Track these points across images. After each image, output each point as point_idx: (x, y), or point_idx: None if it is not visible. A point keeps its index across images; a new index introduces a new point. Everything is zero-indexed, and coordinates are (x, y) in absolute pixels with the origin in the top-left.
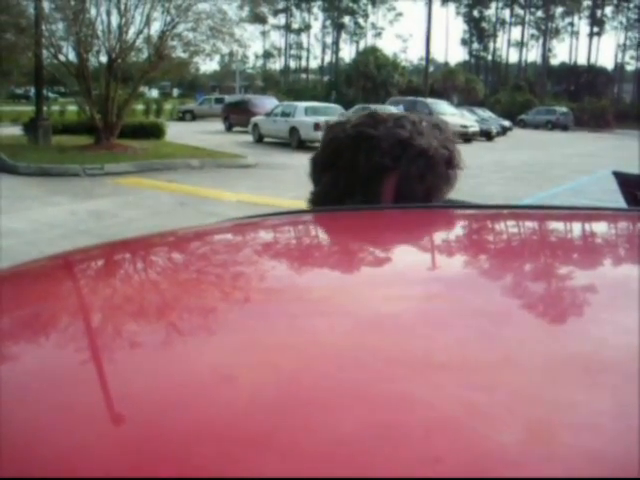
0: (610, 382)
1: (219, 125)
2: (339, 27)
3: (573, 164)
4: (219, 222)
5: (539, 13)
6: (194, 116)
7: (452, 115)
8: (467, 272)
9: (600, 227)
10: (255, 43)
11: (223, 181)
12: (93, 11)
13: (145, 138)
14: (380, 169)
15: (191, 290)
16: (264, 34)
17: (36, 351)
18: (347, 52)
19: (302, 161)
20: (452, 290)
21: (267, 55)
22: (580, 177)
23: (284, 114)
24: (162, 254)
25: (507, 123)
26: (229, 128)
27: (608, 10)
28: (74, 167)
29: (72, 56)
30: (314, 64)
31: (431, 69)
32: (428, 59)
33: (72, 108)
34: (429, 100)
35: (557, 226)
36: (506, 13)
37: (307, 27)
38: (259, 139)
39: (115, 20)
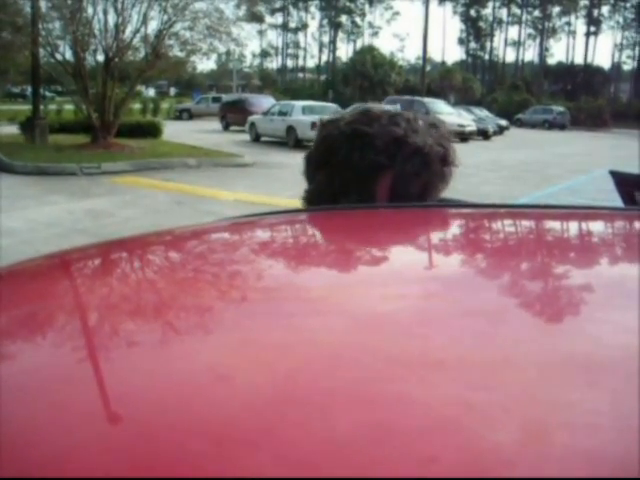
0: (607, 382)
1: (216, 124)
2: (336, 26)
3: (570, 163)
4: (215, 221)
5: (536, 12)
6: (191, 115)
7: (449, 114)
8: (463, 271)
9: (597, 226)
10: (252, 42)
11: (220, 180)
12: (90, 10)
13: (142, 137)
14: (375, 167)
15: (188, 289)
16: (261, 33)
17: (33, 350)
18: (344, 51)
19: (299, 160)
20: (448, 289)
21: (264, 54)
22: (577, 176)
23: (281, 113)
24: (159, 253)
25: (504, 122)
26: (226, 127)
27: (605, 9)
28: (71, 166)
29: (69, 55)
30: (311, 63)
31: (428, 68)
32: (425, 58)
33: (69, 107)
34: (426, 99)
35: (553, 225)
36: (503, 12)
37: (304, 26)
38: (256, 138)
39: (112, 19)
